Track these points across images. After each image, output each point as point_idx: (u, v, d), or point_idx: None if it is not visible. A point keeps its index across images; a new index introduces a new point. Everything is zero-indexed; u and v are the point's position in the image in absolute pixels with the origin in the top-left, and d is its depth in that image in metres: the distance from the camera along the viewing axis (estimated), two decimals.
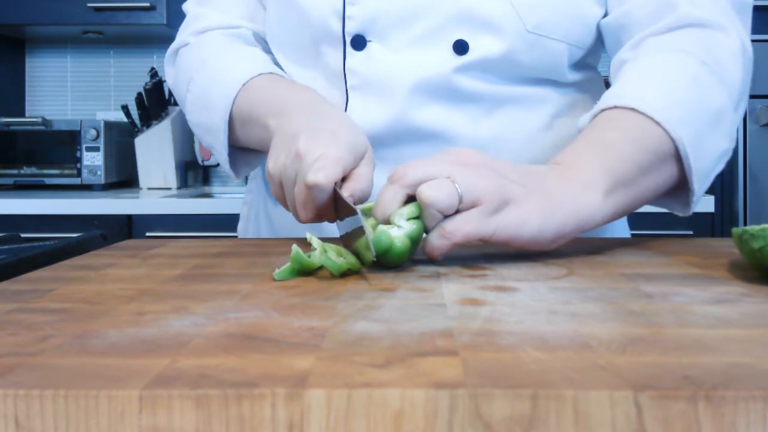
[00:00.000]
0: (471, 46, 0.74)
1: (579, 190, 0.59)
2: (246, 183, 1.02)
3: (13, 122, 2.28)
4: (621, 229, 0.89)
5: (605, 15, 0.78)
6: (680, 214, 0.69)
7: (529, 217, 0.55)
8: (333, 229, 0.80)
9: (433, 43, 0.74)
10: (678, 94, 0.65)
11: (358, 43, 0.75)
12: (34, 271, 0.57)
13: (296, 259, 0.51)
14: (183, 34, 0.86)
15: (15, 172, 2.27)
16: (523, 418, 0.28)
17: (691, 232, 1.92)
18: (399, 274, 0.53)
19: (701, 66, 0.67)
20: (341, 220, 0.62)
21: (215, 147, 0.79)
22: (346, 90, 0.76)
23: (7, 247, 0.70)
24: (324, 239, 0.63)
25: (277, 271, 0.52)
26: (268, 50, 0.85)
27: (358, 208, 0.57)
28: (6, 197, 2.00)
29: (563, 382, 0.29)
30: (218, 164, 2.44)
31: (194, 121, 0.82)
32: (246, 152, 0.82)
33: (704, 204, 1.94)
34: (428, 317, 0.40)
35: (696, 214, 1.93)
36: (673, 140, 0.63)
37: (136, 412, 0.28)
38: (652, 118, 0.63)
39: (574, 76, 0.80)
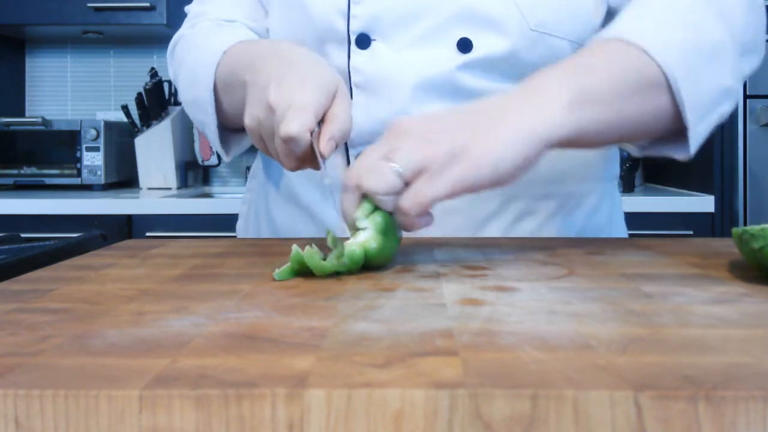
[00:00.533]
0: (475, 44, 0.74)
1: (536, 108, 0.57)
2: (245, 182, 1.02)
3: (13, 122, 2.28)
4: (618, 229, 0.89)
5: (608, 12, 0.78)
6: (681, 159, 0.66)
7: (480, 159, 0.54)
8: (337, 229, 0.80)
9: (437, 42, 0.75)
10: (667, 25, 0.63)
11: (363, 41, 0.76)
12: (34, 271, 0.57)
13: (296, 259, 0.51)
14: (181, 30, 0.89)
15: (15, 172, 2.27)
16: (523, 418, 0.28)
17: (691, 232, 1.92)
18: (399, 274, 0.53)
19: (696, 1, 0.65)
20: (324, 168, 0.62)
21: (205, 122, 0.80)
22: (351, 88, 0.77)
23: (7, 247, 0.70)
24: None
25: (277, 271, 0.52)
26: None
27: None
28: (6, 197, 2.00)
29: (563, 382, 0.29)
30: (218, 164, 2.44)
31: (185, 99, 0.83)
32: (237, 133, 0.83)
33: (704, 204, 1.94)
34: (428, 317, 0.40)
35: (696, 214, 1.93)
36: (660, 67, 0.60)
37: (136, 412, 0.28)
38: (635, 44, 0.61)
39: None
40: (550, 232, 0.80)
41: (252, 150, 0.94)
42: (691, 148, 0.64)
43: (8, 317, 0.41)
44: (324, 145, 0.61)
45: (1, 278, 0.54)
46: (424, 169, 0.53)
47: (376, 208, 0.54)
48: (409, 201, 0.53)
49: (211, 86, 0.76)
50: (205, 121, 0.79)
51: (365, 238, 0.54)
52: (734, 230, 0.52)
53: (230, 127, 0.82)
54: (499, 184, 0.55)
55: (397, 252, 0.63)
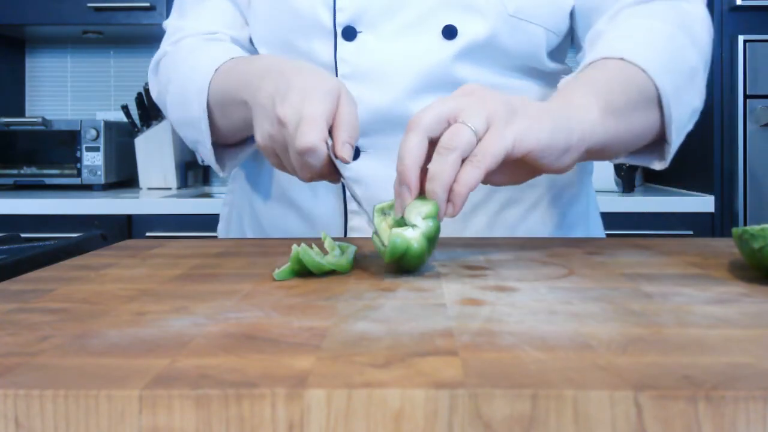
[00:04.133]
0: (459, 30, 0.76)
1: (576, 109, 0.61)
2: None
3: (13, 122, 2.28)
4: (594, 219, 0.92)
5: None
6: (657, 168, 0.73)
7: (540, 122, 0.57)
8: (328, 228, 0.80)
9: (422, 30, 0.77)
10: (658, 50, 0.70)
11: (349, 34, 0.77)
12: (34, 271, 0.57)
13: (296, 259, 0.51)
14: (162, 46, 0.88)
15: (15, 172, 2.27)
16: (523, 418, 0.28)
17: (691, 232, 1.92)
18: (399, 274, 0.53)
19: (675, 28, 0.73)
20: (344, 178, 0.62)
21: (199, 140, 0.79)
22: None
23: (7, 247, 0.70)
24: (336, 239, 0.63)
25: (277, 271, 0.52)
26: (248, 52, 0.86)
27: (374, 208, 0.58)
28: (6, 197, 2.00)
29: (563, 382, 0.29)
30: None
31: (175, 119, 0.82)
32: (230, 148, 0.83)
33: (704, 204, 1.94)
34: (428, 317, 0.40)
35: (696, 214, 1.93)
36: (656, 87, 0.67)
37: (136, 412, 0.28)
38: (637, 65, 0.67)
39: (551, 66, 0.84)
40: (535, 219, 0.82)
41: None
42: (668, 159, 0.72)
43: (8, 317, 0.41)
44: (341, 151, 0.61)
45: (1, 278, 0.54)
46: (491, 123, 0.55)
47: (433, 216, 0.54)
48: (481, 152, 0.54)
49: (204, 105, 0.76)
50: (199, 139, 0.79)
51: (412, 236, 0.52)
52: (734, 230, 0.52)
53: (224, 144, 0.81)
54: (548, 160, 0.58)
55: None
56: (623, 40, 0.71)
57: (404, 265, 0.53)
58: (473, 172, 0.54)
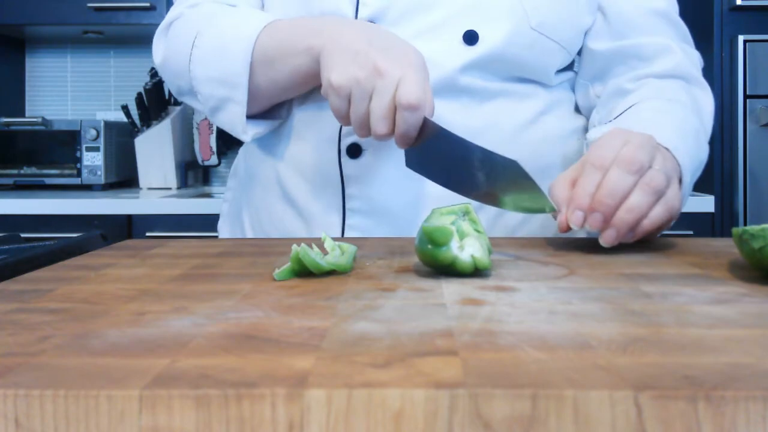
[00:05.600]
0: (480, 37, 0.76)
1: None
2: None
3: (13, 122, 2.27)
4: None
5: (599, 38, 0.85)
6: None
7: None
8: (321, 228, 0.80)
9: (444, 33, 0.76)
10: (690, 147, 0.74)
11: None
12: (34, 271, 0.57)
13: (296, 259, 0.51)
14: (176, 9, 0.85)
15: (15, 172, 2.27)
16: (523, 418, 0.28)
17: (691, 232, 1.92)
18: (399, 274, 0.53)
19: (698, 122, 0.78)
20: (417, 143, 0.65)
21: (230, 97, 0.77)
22: None
23: (7, 247, 0.70)
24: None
25: (277, 271, 0.52)
26: None
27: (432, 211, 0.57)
28: (6, 197, 2.00)
29: (563, 382, 0.29)
30: (218, 164, 2.44)
31: (204, 75, 0.79)
32: (251, 119, 0.81)
33: (704, 204, 1.94)
34: (428, 317, 0.40)
35: (696, 214, 1.93)
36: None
37: (136, 412, 0.28)
38: (677, 160, 0.70)
39: (556, 79, 0.84)
40: (535, 223, 0.82)
41: (236, 150, 0.92)
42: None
43: (8, 317, 0.41)
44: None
45: (1, 278, 0.54)
46: (671, 180, 0.62)
47: (481, 262, 0.52)
48: (674, 201, 0.62)
49: (249, 59, 0.74)
50: (230, 96, 0.77)
51: (461, 254, 0.51)
52: (734, 230, 0.52)
53: (251, 111, 0.80)
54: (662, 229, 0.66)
55: (397, 252, 0.63)
56: (665, 128, 0.73)
57: (435, 255, 0.51)
58: (665, 217, 0.60)
